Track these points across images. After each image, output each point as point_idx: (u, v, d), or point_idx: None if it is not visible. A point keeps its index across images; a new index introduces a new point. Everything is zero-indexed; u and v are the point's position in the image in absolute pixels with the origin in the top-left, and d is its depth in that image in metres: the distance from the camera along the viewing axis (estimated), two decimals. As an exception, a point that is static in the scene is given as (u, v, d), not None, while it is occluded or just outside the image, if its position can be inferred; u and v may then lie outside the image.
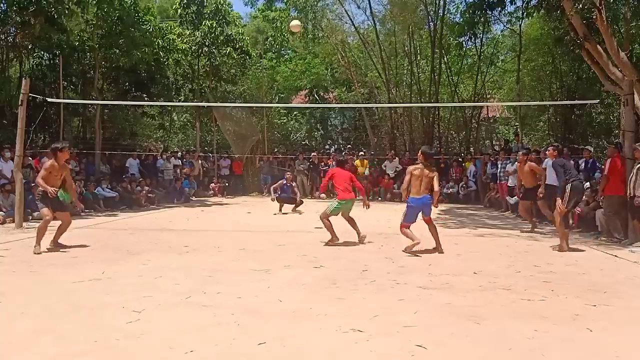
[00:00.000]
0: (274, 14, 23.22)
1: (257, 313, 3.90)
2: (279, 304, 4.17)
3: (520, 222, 10.36)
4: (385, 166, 16.42)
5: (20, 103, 8.95)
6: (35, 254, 6.22)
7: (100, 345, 3.22)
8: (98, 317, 3.78)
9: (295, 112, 21.35)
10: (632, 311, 4.12)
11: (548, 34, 15.91)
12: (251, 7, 26.27)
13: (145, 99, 17.03)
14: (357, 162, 16.55)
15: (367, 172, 16.63)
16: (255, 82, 20.07)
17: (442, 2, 17.59)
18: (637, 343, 3.39)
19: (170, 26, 18.57)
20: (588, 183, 9.48)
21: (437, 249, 6.63)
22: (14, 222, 8.70)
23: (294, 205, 11.92)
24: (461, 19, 15.24)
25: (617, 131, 13.46)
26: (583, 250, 6.97)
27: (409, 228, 6.64)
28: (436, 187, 6.65)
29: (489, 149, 18.56)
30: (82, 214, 10.86)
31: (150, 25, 15.60)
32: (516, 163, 9.67)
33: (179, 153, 17.71)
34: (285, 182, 12.12)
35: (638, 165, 7.24)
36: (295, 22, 10.06)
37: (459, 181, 15.35)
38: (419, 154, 6.80)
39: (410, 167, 6.74)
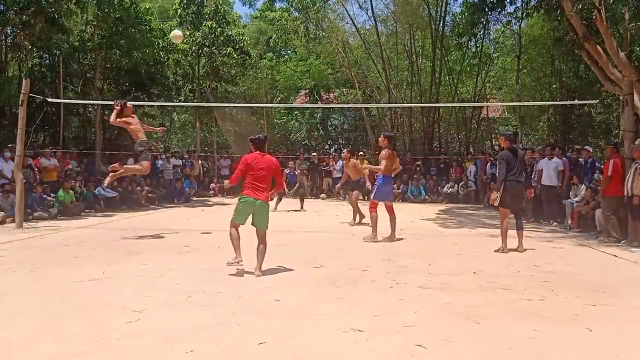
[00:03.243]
0: (274, 14, 23.19)
1: (257, 313, 3.91)
2: (279, 304, 4.17)
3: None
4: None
5: (20, 103, 8.94)
6: None
7: (100, 345, 3.23)
8: (98, 317, 3.78)
9: (295, 112, 21.34)
10: (632, 311, 4.12)
11: (548, 34, 15.90)
12: (249, 7, 26.27)
13: (145, 99, 17.02)
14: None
15: (367, 172, 16.59)
16: (256, 82, 20.04)
17: (443, 3, 17.59)
18: (637, 343, 3.40)
19: (171, 27, 18.55)
20: (585, 183, 9.49)
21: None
22: (14, 222, 8.71)
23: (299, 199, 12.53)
24: (462, 20, 15.27)
25: (616, 131, 13.45)
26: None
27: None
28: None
29: (489, 149, 18.55)
30: (82, 214, 10.88)
31: (150, 26, 15.59)
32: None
33: (179, 153, 17.70)
34: (289, 171, 12.53)
35: (636, 165, 7.24)
36: (177, 33, 10.42)
37: (459, 181, 15.34)
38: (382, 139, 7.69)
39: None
